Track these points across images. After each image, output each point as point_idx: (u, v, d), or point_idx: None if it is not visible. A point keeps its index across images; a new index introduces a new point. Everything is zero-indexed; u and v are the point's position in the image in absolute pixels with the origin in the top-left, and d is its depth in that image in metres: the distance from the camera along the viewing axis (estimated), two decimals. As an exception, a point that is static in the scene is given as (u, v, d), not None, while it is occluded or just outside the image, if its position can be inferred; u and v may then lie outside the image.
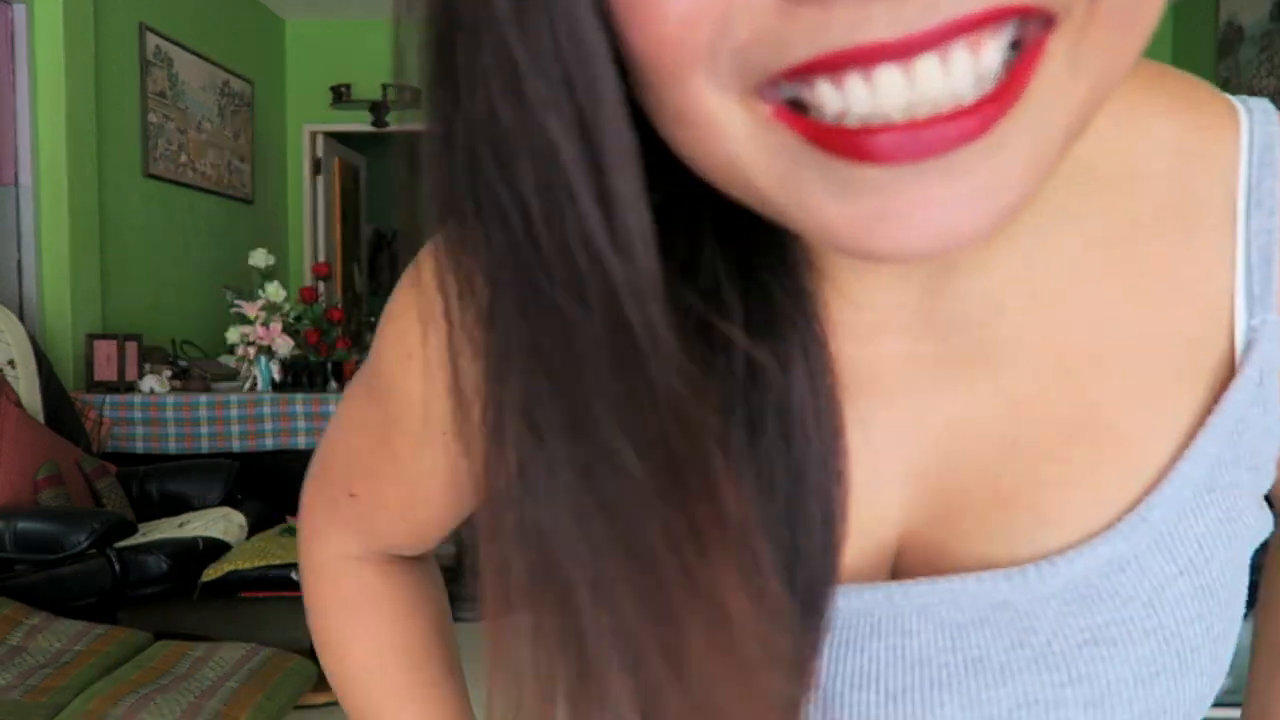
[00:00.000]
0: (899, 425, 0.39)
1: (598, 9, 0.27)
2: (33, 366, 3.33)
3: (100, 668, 2.17)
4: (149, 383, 3.81)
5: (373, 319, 5.93)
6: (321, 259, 6.08)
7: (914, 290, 0.38)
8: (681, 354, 0.30)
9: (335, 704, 2.37)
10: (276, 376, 3.84)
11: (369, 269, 7.25)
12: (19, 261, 3.78)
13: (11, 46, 3.75)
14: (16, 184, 3.77)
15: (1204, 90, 0.43)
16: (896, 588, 0.38)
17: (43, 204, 3.79)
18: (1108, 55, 0.27)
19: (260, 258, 3.94)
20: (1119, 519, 0.38)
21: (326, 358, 3.88)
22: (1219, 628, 0.41)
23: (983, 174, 0.26)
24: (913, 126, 0.26)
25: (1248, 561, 0.42)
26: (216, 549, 2.99)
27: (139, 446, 3.72)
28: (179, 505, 3.36)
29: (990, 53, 0.26)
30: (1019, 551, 0.38)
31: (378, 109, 5.76)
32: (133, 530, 2.93)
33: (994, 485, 0.39)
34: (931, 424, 0.39)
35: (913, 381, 0.39)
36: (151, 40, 4.48)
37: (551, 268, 0.29)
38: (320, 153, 6.06)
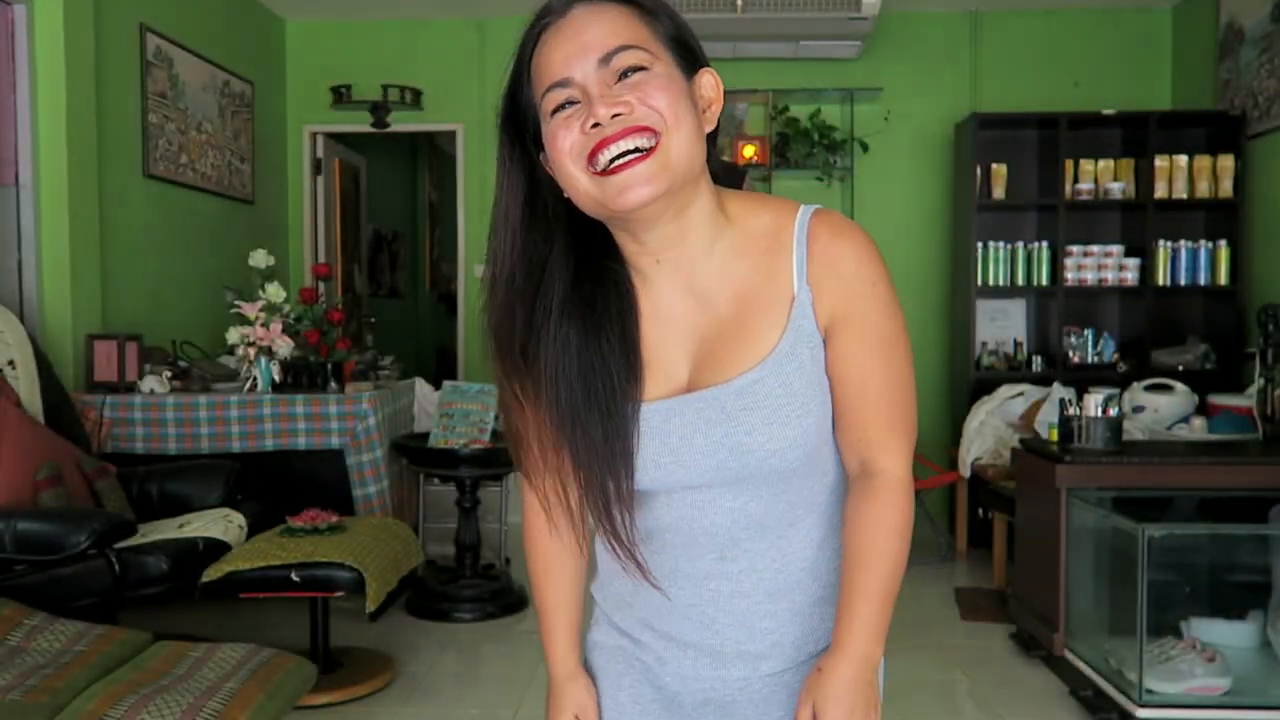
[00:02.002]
0: (683, 332, 1.02)
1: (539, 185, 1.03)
2: (33, 367, 3.33)
3: (100, 668, 2.17)
4: (149, 383, 3.81)
5: (373, 319, 5.93)
6: (321, 259, 6.08)
7: (681, 277, 1.02)
8: (576, 289, 1.02)
9: (334, 705, 2.39)
10: (276, 377, 3.84)
11: (369, 269, 7.24)
12: (19, 262, 3.78)
13: (12, 47, 3.75)
14: (17, 184, 3.76)
15: (787, 202, 1.04)
16: (676, 400, 1.00)
17: (43, 204, 3.78)
18: (678, 143, 0.93)
19: (260, 258, 3.94)
20: (753, 367, 0.98)
21: (327, 358, 3.88)
22: (798, 410, 0.98)
23: (645, 178, 0.92)
24: (624, 163, 0.92)
25: (821, 389, 1.01)
26: (216, 549, 2.99)
27: (139, 447, 3.72)
28: (179, 506, 3.35)
29: (642, 140, 0.93)
30: (720, 379, 0.99)
31: (378, 109, 5.76)
32: (132, 531, 2.93)
33: (712, 354, 1.00)
34: (694, 330, 1.01)
35: (686, 313, 1.02)
36: (152, 40, 4.48)
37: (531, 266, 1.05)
38: (320, 153, 6.06)
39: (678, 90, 0.94)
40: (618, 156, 0.92)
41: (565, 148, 0.94)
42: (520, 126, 1.01)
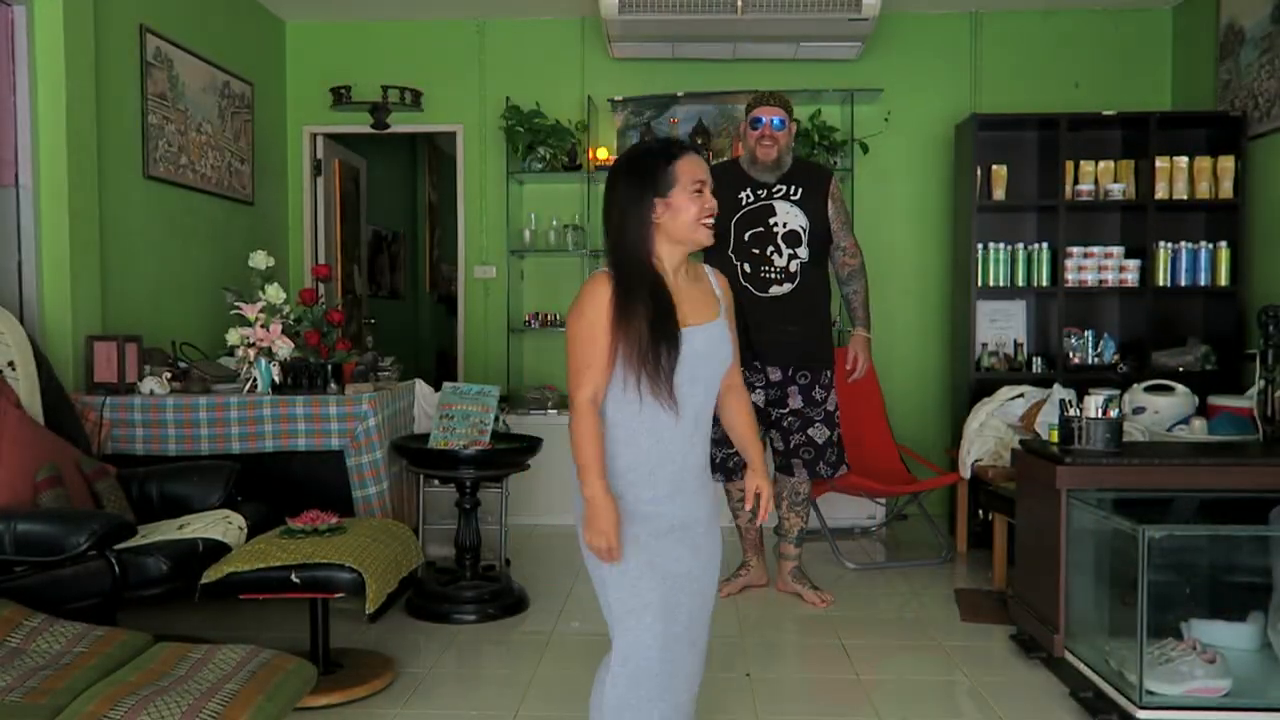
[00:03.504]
0: (687, 304, 2.06)
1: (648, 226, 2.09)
2: (33, 368, 3.33)
3: (100, 669, 2.17)
4: (149, 384, 3.81)
5: (373, 320, 5.92)
6: (321, 260, 6.08)
7: (680, 279, 2.09)
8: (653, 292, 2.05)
9: (334, 706, 2.41)
10: (276, 378, 3.83)
11: (369, 270, 7.24)
12: (19, 263, 3.78)
13: (12, 47, 3.75)
14: (17, 185, 3.76)
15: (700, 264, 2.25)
16: (698, 327, 2.06)
17: (43, 205, 3.78)
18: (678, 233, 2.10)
19: (260, 259, 3.94)
20: (715, 319, 2.10)
21: (326, 359, 3.88)
22: (730, 341, 2.13)
23: (710, 234, 2.14)
24: (710, 225, 2.13)
25: (728, 337, 2.14)
26: (216, 551, 2.98)
27: (139, 448, 3.72)
28: (179, 507, 3.35)
29: None
30: (703, 322, 2.07)
31: (377, 110, 5.76)
32: (132, 532, 2.93)
33: (694, 312, 2.06)
34: (685, 299, 2.07)
35: (685, 299, 2.06)
36: (152, 41, 4.48)
37: (631, 270, 2.05)
38: (320, 154, 6.06)
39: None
40: (711, 224, 2.06)
41: (694, 209, 2.02)
42: (657, 186, 2.03)
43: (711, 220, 2.05)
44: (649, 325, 1.95)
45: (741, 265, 3.76)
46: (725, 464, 3.87)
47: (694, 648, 2.09)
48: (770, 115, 3.76)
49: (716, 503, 2.18)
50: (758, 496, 2.14)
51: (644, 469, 2.02)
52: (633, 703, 2.00)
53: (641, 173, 2.04)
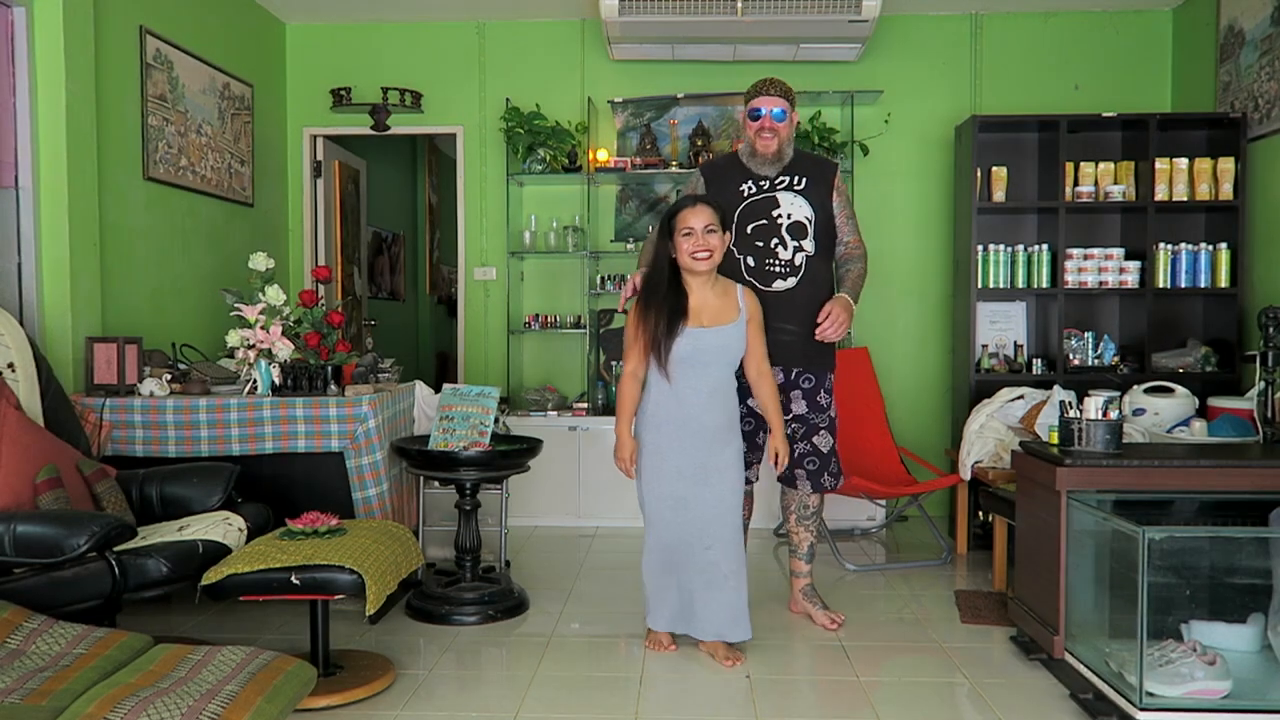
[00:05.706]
0: (700, 309, 3.30)
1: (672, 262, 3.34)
2: (32, 369, 3.33)
3: (99, 671, 2.16)
4: (149, 386, 3.81)
5: (373, 322, 5.91)
6: (321, 262, 6.07)
7: (703, 293, 3.32)
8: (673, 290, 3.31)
9: (334, 708, 2.41)
10: (276, 380, 3.83)
11: (369, 272, 7.24)
12: (19, 264, 3.78)
13: (11, 48, 3.75)
14: (17, 187, 3.76)
15: (731, 281, 3.45)
16: (706, 329, 3.27)
17: (43, 207, 3.78)
18: (717, 257, 3.29)
19: (260, 261, 3.94)
20: (729, 324, 3.30)
21: (326, 361, 3.87)
22: (740, 341, 3.32)
23: (706, 264, 3.27)
24: (702, 259, 3.26)
25: (742, 341, 3.32)
26: (216, 552, 2.98)
27: (138, 450, 3.72)
28: (178, 509, 3.35)
29: (707, 253, 3.34)
30: (719, 324, 3.29)
31: (377, 112, 5.76)
32: (132, 533, 2.92)
33: (713, 318, 3.30)
34: (703, 309, 3.30)
35: (701, 304, 3.30)
36: (152, 43, 4.48)
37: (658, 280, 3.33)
38: (320, 155, 6.07)
39: (722, 241, 3.25)
40: (700, 257, 3.21)
41: (686, 247, 3.22)
42: (669, 231, 3.26)
43: (702, 254, 3.18)
44: (662, 322, 3.19)
45: (745, 259, 3.59)
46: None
47: (682, 533, 3.30)
48: (770, 106, 3.58)
49: (737, 454, 3.31)
50: (778, 454, 3.37)
51: (656, 419, 3.26)
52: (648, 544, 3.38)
53: (664, 222, 3.29)
